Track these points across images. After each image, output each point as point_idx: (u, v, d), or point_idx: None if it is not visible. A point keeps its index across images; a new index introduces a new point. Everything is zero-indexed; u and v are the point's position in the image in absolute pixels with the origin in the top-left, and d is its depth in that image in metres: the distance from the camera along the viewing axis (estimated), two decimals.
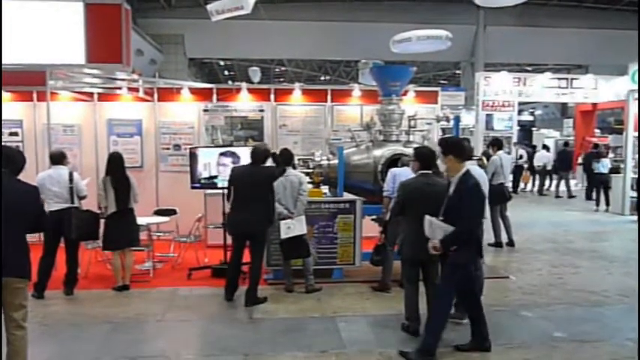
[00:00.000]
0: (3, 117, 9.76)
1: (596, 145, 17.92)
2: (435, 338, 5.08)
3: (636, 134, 14.98)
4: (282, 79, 38.29)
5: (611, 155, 19.64)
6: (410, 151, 7.04)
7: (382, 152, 7.80)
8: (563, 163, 18.87)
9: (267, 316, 6.34)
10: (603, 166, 15.60)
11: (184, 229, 8.70)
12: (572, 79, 16.31)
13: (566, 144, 20.43)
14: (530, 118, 37.94)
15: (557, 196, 18.43)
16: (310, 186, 7.76)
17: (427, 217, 5.19)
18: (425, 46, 16.84)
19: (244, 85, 11.17)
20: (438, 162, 5.70)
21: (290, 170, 7.13)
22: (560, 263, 9.03)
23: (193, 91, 10.92)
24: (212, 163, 8.14)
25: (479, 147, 14.09)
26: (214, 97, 10.88)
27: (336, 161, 7.90)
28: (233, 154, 8.12)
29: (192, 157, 8.28)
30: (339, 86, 17.92)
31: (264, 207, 6.64)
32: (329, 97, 11.10)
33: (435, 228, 5.10)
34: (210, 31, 20.91)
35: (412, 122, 8.43)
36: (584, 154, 18.40)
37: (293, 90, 11.21)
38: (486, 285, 6.52)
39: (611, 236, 11.78)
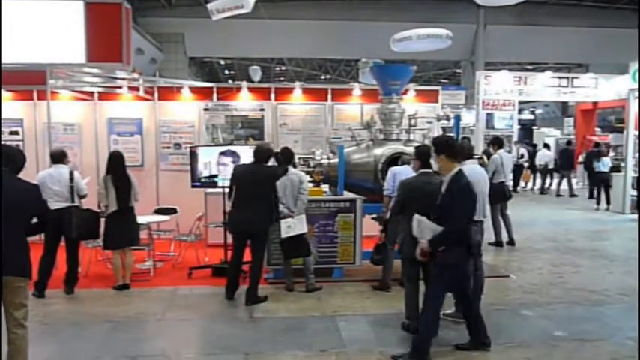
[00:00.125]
0: (4, 116, 9.78)
1: (597, 144, 17.92)
2: (425, 339, 5.03)
3: (636, 133, 14.96)
4: (282, 78, 38.28)
5: (611, 154, 19.65)
6: (410, 150, 7.04)
7: (382, 151, 7.80)
8: (565, 162, 18.85)
9: (267, 315, 6.34)
10: (603, 165, 15.60)
11: (185, 228, 8.70)
12: (572, 77, 16.24)
13: (568, 143, 20.40)
14: (531, 117, 37.90)
15: (558, 195, 18.43)
16: (311, 185, 7.76)
17: (416, 217, 5.17)
18: (425, 45, 16.82)
19: (244, 84, 11.18)
20: (431, 161, 5.66)
21: (290, 169, 7.13)
22: (560, 262, 9.04)
23: (194, 90, 10.92)
24: (212, 162, 8.15)
25: (479, 146, 14.07)
26: (215, 96, 10.88)
27: (336, 160, 7.90)
28: (233, 154, 8.12)
29: (193, 156, 8.28)
30: (339, 85, 17.97)
31: (266, 206, 6.64)
32: (329, 96, 11.09)
33: (424, 228, 5.06)
34: (211, 30, 20.88)
35: (412, 121, 8.42)
36: (586, 153, 18.39)
37: (293, 89, 11.20)
38: (487, 284, 6.51)
39: (611, 235, 11.79)
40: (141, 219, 7.68)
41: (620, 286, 7.60)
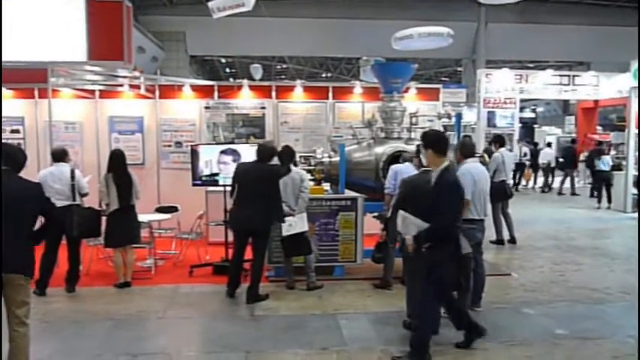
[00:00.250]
0: (5, 114, 9.78)
1: (599, 143, 17.91)
2: (424, 338, 4.98)
3: (637, 131, 14.93)
4: (283, 77, 38.27)
5: (612, 152, 19.64)
6: (411, 148, 7.04)
7: (384, 149, 7.79)
8: (568, 161, 18.84)
9: (268, 314, 6.34)
10: (604, 163, 15.59)
11: (186, 227, 8.71)
12: (573, 76, 16.20)
13: (573, 141, 20.40)
14: (532, 115, 37.89)
15: (560, 193, 18.42)
16: (312, 183, 7.76)
17: (400, 212, 5.12)
18: (426, 43, 16.80)
19: (245, 82, 11.16)
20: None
21: (291, 167, 7.12)
22: (562, 260, 9.03)
23: (195, 88, 10.92)
24: (213, 160, 8.14)
25: (480, 144, 14.05)
26: (216, 94, 10.87)
27: (337, 158, 7.90)
28: (234, 152, 8.11)
29: (194, 154, 8.28)
30: (340, 83, 17.95)
31: (268, 205, 6.63)
32: (330, 95, 11.09)
33: (409, 223, 4.98)
34: (212, 29, 20.88)
35: (414, 119, 8.42)
36: (589, 151, 18.38)
37: (294, 87, 11.20)
38: (488, 282, 6.52)
39: (612, 233, 11.79)
40: (142, 217, 7.68)
41: (621, 284, 7.59)
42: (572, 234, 11.36)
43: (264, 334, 5.72)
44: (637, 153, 14.88)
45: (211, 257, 8.46)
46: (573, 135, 24.53)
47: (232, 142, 9.78)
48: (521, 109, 24.56)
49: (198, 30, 22.48)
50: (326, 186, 8.41)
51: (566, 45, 24.52)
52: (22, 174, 4.49)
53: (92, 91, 10.41)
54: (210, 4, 12.69)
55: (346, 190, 7.89)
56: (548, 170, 19.87)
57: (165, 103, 10.68)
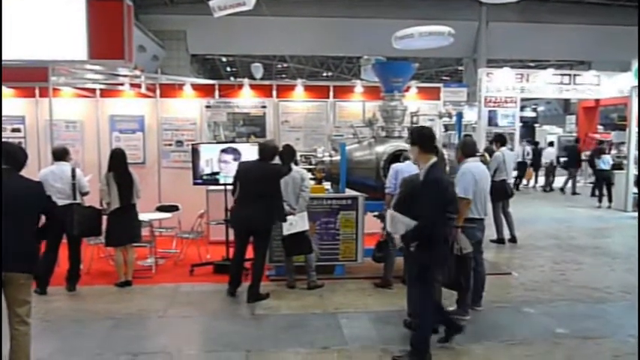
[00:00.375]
0: (5, 113, 9.80)
1: (601, 142, 17.91)
2: (424, 338, 4.95)
3: (638, 130, 14.93)
4: (284, 76, 38.28)
5: (613, 152, 19.63)
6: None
7: (384, 148, 7.79)
8: (572, 160, 18.82)
9: (269, 313, 6.34)
10: (604, 162, 15.57)
11: (186, 226, 8.72)
12: (574, 75, 16.19)
13: (577, 140, 20.39)
14: (533, 114, 37.88)
15: (562, 190, 18.45)
16: (312, 182, 7.75)
17: (389, 211, 5.10)
18: (427, 43, 16.78)
19: (246, 81, 11.16)
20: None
21: (292, 166, 7.12)
22: (562, 259, 9.03)
23: (195, 87, 10.92)
24: (214, 159, 8.15)
25: (481, 143, 14.04)
26: (216, 93, 10.88)
27: (338, 157, 7.90)
28: (234, 151, 8.11)
29: (195, 153, 8.29)
30: (341, 82, 17.91)
31: (269, 204, 6.63)
32: (331, 94, 11.09)
33: (397, 222, 4.94)
34: (213, 28, 20.88)
35: (414, 118, 8.43)
36: (591, 150, 18.38)
37: (295, 86, 11.19)
38: (488, 281, 6.52)
39: (613, 233, 11.79)
40: (143, 216, 7.69)
41: (622, 283, 7.59)
42: (572, 233, 11.36)
43: (265, 333, 5.72)
44: (637, 152, 14.86)
45: (212, 256, 8.46)
46: (574, 134, 24.52)
47: (233, 141, 9.78)
48: (522, 109, 24.58)
49: (199, 29, 22.47)
50: (327, 185, 8.41)
51: (567, 44, 24.50)
52: (23, 173, 4.49)
53: (93, 90, 10.41)
54: (210, 3, 12.68)
55: (347, 190, 7.89)
56: (551, 170, 19.86)
57: (166, 102, 10.69)
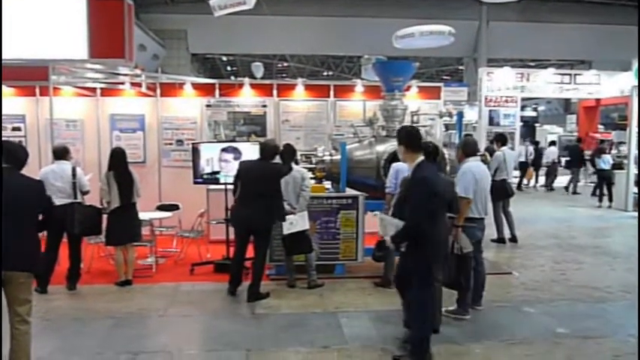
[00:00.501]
0: (6, 112, 9.80)
1: (601, 141, 17.91)
2: (423, 338, 4.90)
3: (638, 130, 14.93)
4: (284, 75, 38.28)
5: (614, 151, 19.62)
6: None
7: (385, 148, 7.79)
8: (574, 160, 18.81)
9: (269, 312, 6.34)
10: (604, 162, 15.56)
11: (187, 225, 8.72)
12: (575, 74, 16.20)
13: (579, 140, 20.37)
14: (533, 114, 37.88)
15: (567, 188, 18.49)
16: (313, 181, 7.75)
17: (378, 214, 5.10)
18: (428, 42, 16.76)
19: (247, 80, 11.16)
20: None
21: (293, 166, 7.12)
22: (563, 259, 9.03)
23: (196, 86, 10.93)
24: (215, 158, 8.15)
25: (482, 143, 14.04)
26: (217, 92, 10.89)
27: (338, 157, 7.90)
28: (235, 150, 8.12)
29: (195, 152, 8.30)
30: (341, 82, 17.91)
31: (270, 203, 6.63)
32: (332, 93, 11.09)
33: (387, 224, 4.94)
34: (213, 27, 20.88)
35: (415, 118, 8.43)
36: (593, 150, 18.38)
37: (296, 85, 11.19)
38: (489, 281, 6.52)
39: (613, 232, 11.79)
40: (143, 215, 7.68)
41: (622, 283, 7.59)
42: (573, 233, 11.36)
43: (265, 333, 5.72)
44: (638, 152, 14.86)
45: (212, 255, 8.46)
46: (575, 134, 24.51)
47: (233, 141, 9.78)
48: (523, 108, 24.58)
49: (200, 28, 22.47)
50: (327, 184, 8.41)
51: (568, 43, 24.48)
52: (24, 172, 4.49)
53: (93, 89, 10.42)
54: (211, 2, 12.66)
55: (347, 189, 7.89)
56: (552, 169, 19.85)
57: (166, 101, 10.69)
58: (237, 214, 6.85)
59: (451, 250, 5.66)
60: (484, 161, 6.78)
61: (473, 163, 6.12)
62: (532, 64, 29.07)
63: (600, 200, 15.38)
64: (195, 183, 8.35)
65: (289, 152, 7.15)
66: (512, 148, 13.51)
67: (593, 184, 17.51)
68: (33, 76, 8.88)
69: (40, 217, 4.57)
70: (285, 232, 6.93)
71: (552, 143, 21.63)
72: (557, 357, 5.20)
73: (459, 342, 5.43)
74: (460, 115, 8.65)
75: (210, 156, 8.17)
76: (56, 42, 7.82)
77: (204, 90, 10.93)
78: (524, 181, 20.23)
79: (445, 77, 38.54)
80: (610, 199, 15.18)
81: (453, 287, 5.84)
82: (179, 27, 23.11)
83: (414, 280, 4.92)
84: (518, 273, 8.10)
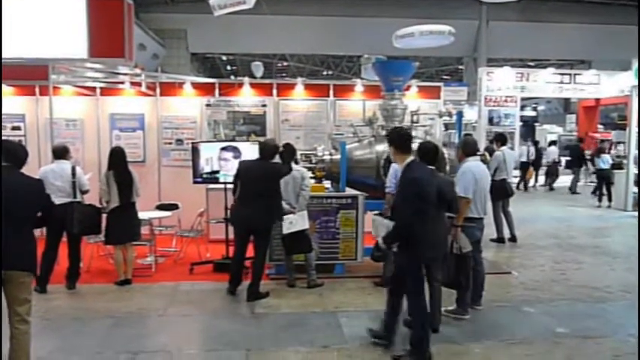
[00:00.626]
0: (5, 111, 9.80)
1: (602, 141, 17.90)
2: (422, 337, 4.93)
3: (638, 130, 14.93)
4: (284, 74, 38.26)
5: (613, 151, 19.62)
6: (412, 146, 7.02)
7: (384, 147, 7.74)
8: (575, 159, 18.78)
9: (269, 311, 6.34)
10: (604, 161, 15.56)
11: (186, 224, 8.72)
12: (575, 74, 16.20)
13: (580, 140, 20.37)
14: (533, 113, 37.88)
15: (571, 189, 18.47)
16: (312, 181, 7.75)
17: (371, 215, 5.15)
18: (427, 42, 16.76)
19: (247, 79, 11.16)
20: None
21: (292, 165, 7.11)
22: (562, 259, 9.03)
23: (196, 85, 10.92)
24: (214, 157, 8.15)
25: (481, 142, 14.04)
26: (217, 91, 10.88)
27: (338, 156, 7.90)
28: (234, 149, 8.12)
29: (195, 151, 8.29)
30: (341, 81, 17.89)
31: (269, 203, 6.64)
32: (331, 92, 11.08)
33: (378, 225, 5.04)
34: (213, 26, 20.85)
35: (415, 117, 8.42)
36: (592, 150, 18.38)
37: (295, 85, 11.19)
38: (488, 280, 6.52)
39: (613, 232, 11.79)
40: (143, 215, 7.68)
41: (622, 282, 7.59)
42: (572, 232, 11.36)
43: (265, 332, 5.72)
44: (637, 152, 14.86)
45: (212, 255, 8.46)
46: (574, 133, 24.50)
47: (233, 140, 9.79)
48: (522, 108, 24.58)
49: (200, 27, 22.45)
50: (327, 184, 8.40)
51: (568, 43, 24.47)
52: (24, 171, 4.48)
53: (93, 89, 10.42)
54: (211, 1, 12.64)
55: (347, 188, 7.88)
56: (554, 169, 19.84)
57: (166, 101, 10.69)
58: (237, 214, 6.84)
59: (450, 249, 5.66)
60: (484, 161, 6.78)
61: (472, 163, 6.13)
62: (532, 63, 29.06)
63: (600, 200, 15.38)
64: (195, 182, 8.34)
65: (289, 152, 7.15)
66: (512, 148, 13.52)
67: (592, 184, 17.51)
68: (33, 76, 8.87)
69: (40, 214, 4.57)
70: (285, 231, 6.93)
71: (553, 143, 21.61)
72: (557, 357, 5.20)
73: (458, 342, 5.43)
74: (460, 114, 8.65)
75: (210, 155, 8.17)
76: (56, 41, 7.82)
77: (204, 89, 10.93)
78: (530, 182, 20.17)
79: (445, 77, 38.54)
80: (609, 199, 15.17)
81: (452, 287, 5.85)
82: (179, 26, 23.09)
83: (407, 280, 4.96)
84: (517, 273, 8.10)
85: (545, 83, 15.62)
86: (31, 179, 4.47)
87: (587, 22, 23.78)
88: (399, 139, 5.10)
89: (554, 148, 20.56)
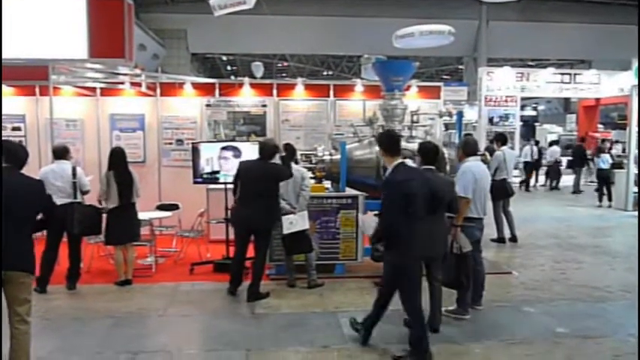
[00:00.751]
0: (6, 112, 9.80)
1: (603, 140, 17.89)
2: (421, 336, 4.93)
3: (638, 129, 14.93)
4: (284, 74, 38.26)
5: (614, 151, 19.61)
6: (413, 146, 7.03)
7: None
8: (577, 159, 18.78)
9: (269, 311, 6.34)
10: (603, 161, 15.56)
11: (187, 224, 8.72)
12: (575, 74, 16.25)
13: (582, 139, 20.36)
14: (533, 113, 37.88)
15: (576, 191, 18.46)
16: (313, 181, 7.75)
17: (360, 216, 5.19)
18: (427, 41, 16.78)
19: (247, 80, 11.16)
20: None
21: (292, 165, 7.11)
22: (562, 259, 9.02)
23: (196, 85, 10.92)
24: (214, 158, 8.16)
25: (482, 142, 14.05)
26: (217, 92, 10.88)
27: (338, 156, 7.90)
28: (234, 148, 8.13)
29: (195, 152, 8.29)
30: (341, 81, 17.91)
31: (270, 203, 6.64)
32: (331, 92, 11.08)
33: (366, 224, 5.12)
34: (213, 26, 20.87)
35: (415, 117, 8.42)
36: (593, 149, 18.37)
37: (295, 85, 11.19)
38: (488, 280, 6.52)
39: (613, 232, 11.79)
40: (143, 215, 7.68)
41: (622, 282, 7.59)
42: (573, 232, 11.35)
43: (265, 332, 5.72)
44: (638, 151, 14.86)
45: (212, 255, 8.45)
46: (575, 133, 24.49)
47: (233, 140, 9.79)
48: (523, 107, 24.59)
49: (200, 28, 22.47)
50: (327, 184, 8.40)
51: (568, 43, 24.48)
52: (24, 171, 4.48)
53: (93, 89, 10.42)
54: (211, 1, 12.66)
55: (347, 188, 7.88)
56: (555, 168, 19.83)
57: (166, 101, 10.69)
58: (237, 214, 6.85)
59: (450, 249, 5.66)
60: (484, 161, 6.78)
61: (473, 163, 6.13)
62: (532, 63, 29.07)
63: (600, 200, 15.37)
64: (195, 183, 8.35)
65: (289, 152, 7.15)
66: (513, 148, 13.52)
67: (592, 184, 17.49)
68: (33, 76, 8.87)
69: (41, 216, 4.57)
70: (285, 231, 6.92)
71: (555, 143, 21.60)
72: (557, 357, 5.19)
73: (458, 342, 5.43)
74: (460, 114, 8.65)
75: (210, 155, 8.18)
76: (56, 41, 7.82)
77: (204, 90, 10.93)
78: (532, 182, 20.15)
79: (445, 77, 38.54)
80: (609, 199, 15.16)
81: (453, 287, 5.85)
82: (179, 27, 23.11)
83: (396, 280, 5.06)
84: (518, 273, 8.10)
85: (546, 83, 15.66)
86: (31, 180, 4.47)
87: (587, 21, 23.79)
88: (388, 141, 5.18)
89: (556, 148, 20.55)
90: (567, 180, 19.42)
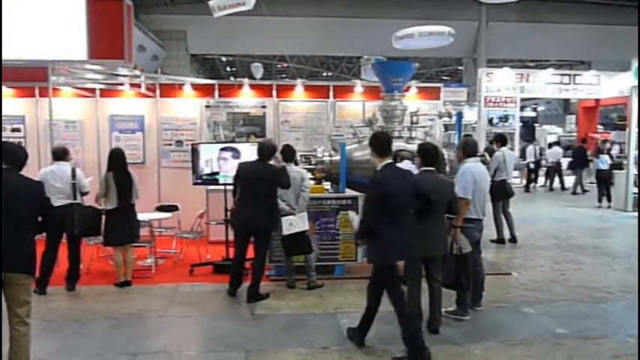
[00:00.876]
0: (5, 113, 9.80)
1: (604, 141, 17.88)
2: (414, 335, 4.95)
3: (637, 130, 14.93)
4: (284, 76, 38.27)
5: (613, 151, 19.61)
6: (412, 147, 7.04)
7: None
8: (578, 160, 18.78)
9: (269, 313, 6.34)
10: (603, 162, 15.55)
11: (186, 225, 8.71)
12: (574, 75, 16.25)
13: (583, 140, 20.35)
14: (533, 114, 37.88)
15: (582, 192, 18.45)
16: (312, 182, 7.75)
17: (350, 213, 5.50)
18: (427, 42, 16.79)
19: (246, 81, 11.16)
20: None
21: (292, 166, 7.11)
22: (562, 259, 9.02)
23: (195, 87, 10.92)
24: (214, 159, 8.15)
25: (481, 143, 14.06)
26: (216, 93, 10.88)
27: (338, 157, 7.90)
28: (234, 149, 8.13)
29: (195, 153, 8.29)
30: (341, 82, 17.91)
31: (269, 204, 6.64)
32: (331, 93, 11.08)
33: (355, 222, 5.25)
34: (213, 27, 20.90)
35: (414, 118, 8.42)
36: (593, 150, 18.37)
37: (295, 86, 11.19)
38: (488, 281, 6.52)
39: (613, 232, 11.79)
40: (142, 216, 7.68)
41: (622, 283, 7.58)
42: (572, 233, 11.35)
43: (265, 333, 5.71)
44: (637, 152, 14.86)
45: (212, 256, 8.45)
46: (574, 134, 24.48)
47: (233, 141, 9.80)
48: (522, 108, 24.59)
49: (199, 29, 22.48)
50: (326, 185, 8.40)
51: (567, 44, 24.50)
52: (23, 172, 4.49)
53: (93, 90, 10.41)
54: (210, 2, 12.67)
55: (347, 189, 7.88)
56: (557, 169, 19.83)
57: (165, 102, 10.68)
58: (237, 216, 6.84)
59: (450, 250, 5.66)
60: (484, 162, 6.78)
61: (472, 164, 6.12)
62: (531, 64, 29.07)
63: (600, 200, 15.37)
64: (195, 184, 8.35)
65: (289, 153, 7.16)
66: (512, 149, 13.52)
67: (592, 184, 17.48)
68: (32, 77, 8.88)
69: (40, 218, 4.57)
70: (285, 232, 6.92)
71: (556, 144, 21.59)
72: (557, 357, 5.19)
73: (458, 343, 5.43)
74: (459, 115, 8.65)
75: (210, 157, 8.17)
76: (55, 43, 7.83)
77: (204, 91, 10.93)
78: (523, 181, 20.16)
79: (445, 78, 38.56)
80: (609, 200, 15.16)
81: (452, 288, 5.84)
82: (178, 27, 23.14)
83: (380, 279, 5.16)
84: (517, 273, 8.09)
85: (545, 84, 15.64)
86: (31, 181, 4.46)
87: (587, 22, 23.81)
88: (377, 142, 5.23)
89: (557, 149, 20.55)
90: (568, 180, 19.40)
